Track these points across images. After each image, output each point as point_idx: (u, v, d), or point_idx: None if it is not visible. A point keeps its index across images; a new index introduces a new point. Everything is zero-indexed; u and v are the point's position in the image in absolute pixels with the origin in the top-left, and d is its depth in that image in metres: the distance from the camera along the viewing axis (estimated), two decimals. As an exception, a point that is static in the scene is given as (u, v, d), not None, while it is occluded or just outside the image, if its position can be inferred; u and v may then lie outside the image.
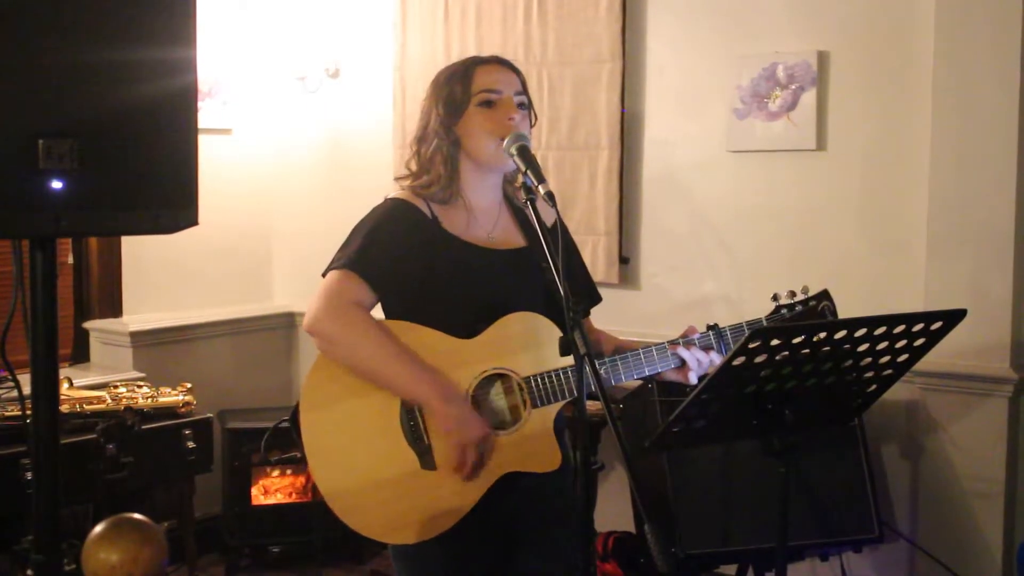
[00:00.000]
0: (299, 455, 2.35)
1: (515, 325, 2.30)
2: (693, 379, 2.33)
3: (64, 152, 1.58)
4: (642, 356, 2.32)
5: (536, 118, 2.44)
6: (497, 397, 2.32)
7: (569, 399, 2.29)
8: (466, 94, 2.34)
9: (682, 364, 2.33)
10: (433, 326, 2.30)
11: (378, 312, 2.38)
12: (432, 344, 2.29)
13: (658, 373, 2.36)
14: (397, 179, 2.46)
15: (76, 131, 1.60)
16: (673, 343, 2.34)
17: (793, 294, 2.42)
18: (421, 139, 2.41)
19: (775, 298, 2.42)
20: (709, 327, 2.35)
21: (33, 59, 1.56)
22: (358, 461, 2.29)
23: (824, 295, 2.42)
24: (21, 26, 1.55)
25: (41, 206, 1.60)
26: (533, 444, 2.29)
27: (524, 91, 2.40)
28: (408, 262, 2.32)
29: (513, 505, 2.34)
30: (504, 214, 2.45)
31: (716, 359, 2.33)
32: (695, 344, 2.33)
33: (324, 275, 2.32)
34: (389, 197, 2.41)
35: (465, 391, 2.28)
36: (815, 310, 2.40)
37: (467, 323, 2.30)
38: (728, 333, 2.35)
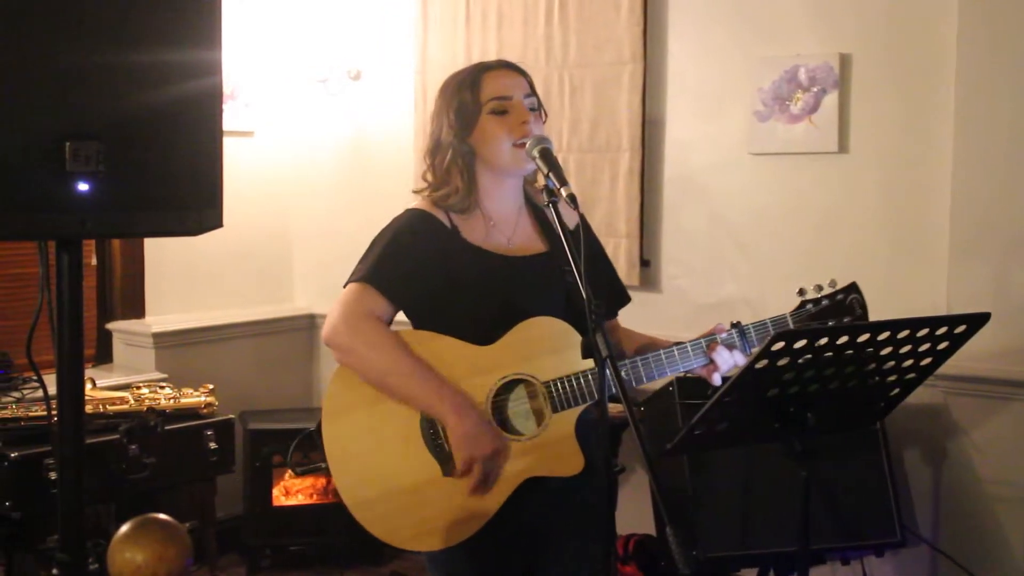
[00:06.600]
0: (323, 464, 2.34)
1: (534, 330, 2.29)
2: (716, 380, 2.31)
3: (91, 154, 1.59)
4: (663, 357, 2.30)
5: (546, 116, 2.43)
6: (518, 402, 2.32)
7: (590, 403, 2.29)
8: (476, 103, 2.33)
9: (709, 362, 2.32)
10: (455, 334, 2.30)
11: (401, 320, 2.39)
12: (451, 352, 2.29)
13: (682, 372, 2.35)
14: (415, 192, 2.46)
15: (102, 133, 1.61)
16: (696, 342, 2.33)
17: (820, 288, 2.37)
18: (435, 150, 2.40)
19: (801, 292, 2.38)
20: (733, 325, 2.34)
21: (60, 62, 1.58)
22: (380, 469, 2.29)
23: (852, 288, 2.38)
24: (48, 29, 1.56)
25: (67, 208, 1.61)
26: (555, 448, 2.29)
27: (533, 92, 2.39)
28: (426, 272, 2.32)
29: (538, 509, 2.34)
30: (524, 219, 2.44)
31: (740, 358, 2.31)
32: (719, 343, 2.32)
33: (345, 287, 2.33)
34: (409, 208, 2.41)
35: (486, 396, 2.28)
36: (842, 304, 2.35)
37: (488, 330, 2.29)
38: (752, 331, 2.33)
